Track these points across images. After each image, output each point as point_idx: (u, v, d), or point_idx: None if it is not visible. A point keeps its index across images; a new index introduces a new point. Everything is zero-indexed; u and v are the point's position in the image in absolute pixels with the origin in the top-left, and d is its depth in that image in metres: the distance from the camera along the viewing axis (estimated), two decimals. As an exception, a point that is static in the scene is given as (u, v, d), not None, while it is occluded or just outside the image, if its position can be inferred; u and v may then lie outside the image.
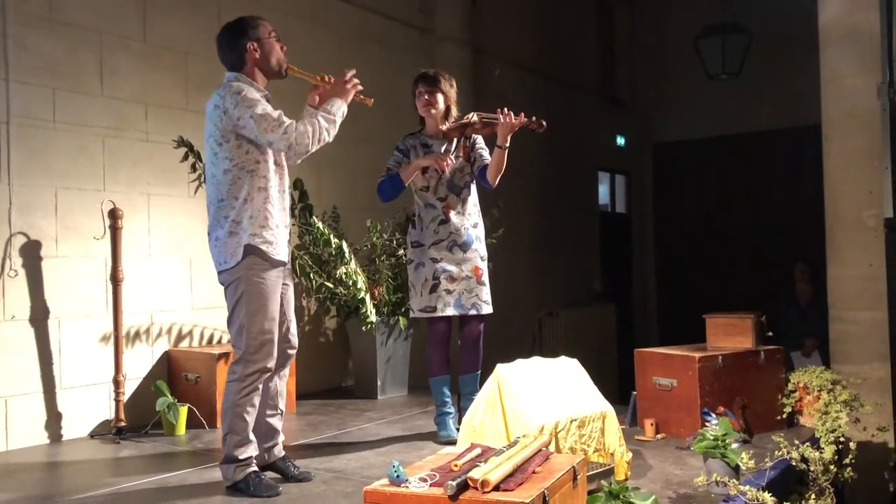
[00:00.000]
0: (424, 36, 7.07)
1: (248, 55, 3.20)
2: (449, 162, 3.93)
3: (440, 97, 3.98)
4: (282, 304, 3.27)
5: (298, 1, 5.76)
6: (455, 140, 4.03)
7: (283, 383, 3.40)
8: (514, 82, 8.13)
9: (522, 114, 3.78)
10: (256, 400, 3.17)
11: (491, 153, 3.94)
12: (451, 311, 3.94)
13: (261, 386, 3.19)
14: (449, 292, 3.94)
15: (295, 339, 3.40)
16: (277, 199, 3.21)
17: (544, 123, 3.80)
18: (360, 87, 3.30)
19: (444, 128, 4.00)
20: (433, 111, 3.99)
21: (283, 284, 3.29)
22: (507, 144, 3.79)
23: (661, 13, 10.96)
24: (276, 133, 3.07)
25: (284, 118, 3.11)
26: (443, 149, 4.02)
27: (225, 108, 3.10)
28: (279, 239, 3.19)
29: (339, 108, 3.24)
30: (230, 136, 3.11)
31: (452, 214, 4.00)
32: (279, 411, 3.38)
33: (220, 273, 3.21)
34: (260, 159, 3.16)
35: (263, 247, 3.12)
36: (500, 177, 3.92)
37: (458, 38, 7.24)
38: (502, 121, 3.76)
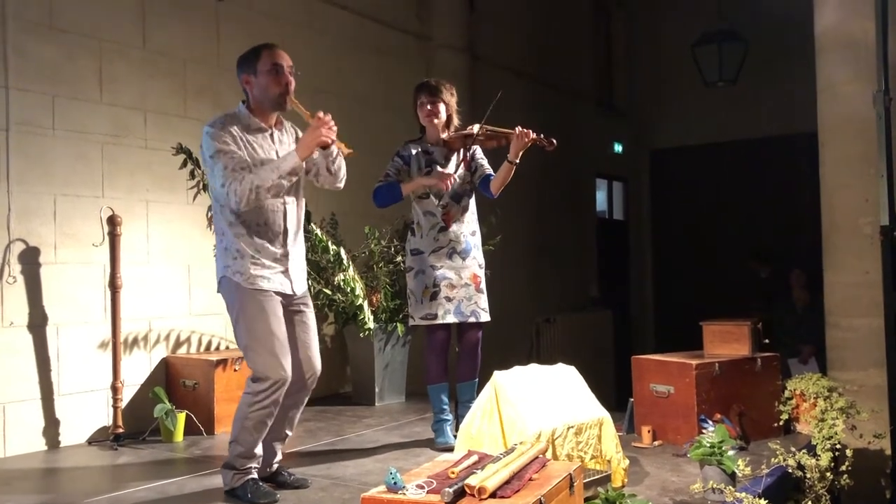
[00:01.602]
0: (421, 43, 7.08)
1: (245, 87, 3.22)
2: (452, 182, 3.95)
3: (442, 107, 4.01)
4: (296, 330, 3.24)
5: (295, 8, 5.77)
6: (457, 150, 4.06)
7: (299, 412, 3.37)
8: (511, 89, 8.14)
9: (531, 131, 3.83)
10: (269, 421, 3.13)
11: (493, 166, 3.96)
12: (451, 319, 3.96)
13: (276, 409, 3.12)
14: (449, 300, 3.95)
15: (317, 366, 3.32)
16: (249, 234, 3.12)
17: (554, 142, 3.85)
18: (328, 137, 3.07)
19: (445, 136, 4.04)
20: (435, 121, 4.01)
21: (299, 312, 3.26)
22: (518, 160, 3.84)
23: (658, 21, 11.00)
24: (223, 189, 3.03)
25: (235, 174, 3.01)
26: (443, 157, 4.05)
27: (201, 143, 3.15)
28: (255, 271, 3.11)
29: (287, 166, 3.06)
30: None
31: (452, 222, 4.01)
32: (284, 436, 3.37)
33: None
34: None
35: (235, 277, 3.13)
36: (502, 189, 3.97)
37: (454, 46, 7.26)
38: (517, 138, 3.80)
